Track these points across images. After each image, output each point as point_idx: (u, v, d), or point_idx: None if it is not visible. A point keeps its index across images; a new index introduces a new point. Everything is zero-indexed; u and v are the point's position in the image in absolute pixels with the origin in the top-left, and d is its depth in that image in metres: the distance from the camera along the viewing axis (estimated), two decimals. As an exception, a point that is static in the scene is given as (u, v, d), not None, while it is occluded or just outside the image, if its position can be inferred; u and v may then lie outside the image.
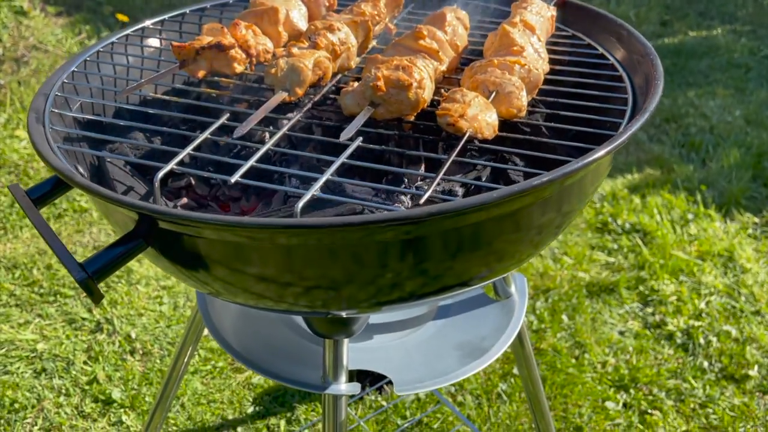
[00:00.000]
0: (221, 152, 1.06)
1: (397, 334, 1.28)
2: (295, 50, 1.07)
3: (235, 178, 0.87)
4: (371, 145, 0.96)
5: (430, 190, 0.84)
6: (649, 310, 2.40)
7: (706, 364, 2.17)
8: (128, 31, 1.28)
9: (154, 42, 1.29)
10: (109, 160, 1.08)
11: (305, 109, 1.05)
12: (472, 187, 1.03)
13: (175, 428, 1.94)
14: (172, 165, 0.90)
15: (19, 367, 2.10)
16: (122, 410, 1.98)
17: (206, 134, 0.97)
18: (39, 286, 2.42)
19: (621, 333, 2.30)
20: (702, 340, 2.25)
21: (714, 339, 2.26)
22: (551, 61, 1.19)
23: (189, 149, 0.94)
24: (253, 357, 1.16)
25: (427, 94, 1.02)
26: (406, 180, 0.99)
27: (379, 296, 0.91)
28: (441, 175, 0.88)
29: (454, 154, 0.91)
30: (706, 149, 3.36)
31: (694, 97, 3.91)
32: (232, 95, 1.13)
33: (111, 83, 1.20)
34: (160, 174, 0.88)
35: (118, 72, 1.23)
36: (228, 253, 0.84)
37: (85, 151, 0.98)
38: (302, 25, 1.26)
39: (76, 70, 1.16)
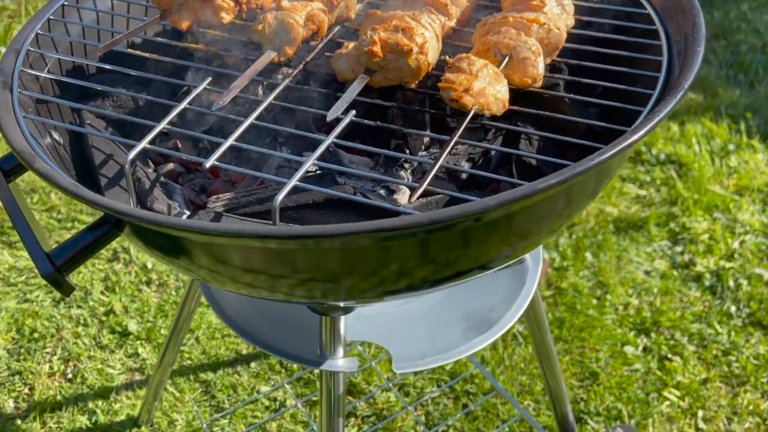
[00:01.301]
0: (203, 122, 0.97)
1: (400, 299, 1.22)
2: (285, 2, 0.95)
3: (210, 162, 0.79)
4: (366, 121, 0.86)
5: (425, 183, 0.75)
6: (679, 249, 2.30)
7: (733, 308, 2.09)
8: (111, -31, 1.16)
9: (138, -18, 1.17)
10: (88, 122, 1.00)
11: (296, 72, 0.94)
12: (480, 161, 0.93)
13: (189, 362, 1.96)
14: (144, 144, 0.82)
15: (38, 296, 2.13)
16: (138, 342, 2.00)
17: (184, 104, 0.88)
18: (57, 211, 2.41)
19: (647, 273, 2.22)
20: (731, 283, 2.16)
21: (744, 282, 2.16)
22: (578, 9, 1.05)
23: (163, 124, 0.85)
24: (247, 326, 1.12)
25: (432, 57, 0.90)
26: (404, 156, 0.90)
27: (384, 285, 0.83)
28: (441, 161, 0.78)
29: (457, 135, 0.81)
30: (755, 70, 3.12)
31: (747, 10, 3.60)
32: (220, 50, 1.02)
33: (91, 34, 1.10)
34: (131, 155, 0.80)
35: (101, 20, 1.12)
36: (207, 250, 0.78)
37: (58, 124, 0.90)
38: (300, -37, 1.12)
39: (52, 18, 1.06)
